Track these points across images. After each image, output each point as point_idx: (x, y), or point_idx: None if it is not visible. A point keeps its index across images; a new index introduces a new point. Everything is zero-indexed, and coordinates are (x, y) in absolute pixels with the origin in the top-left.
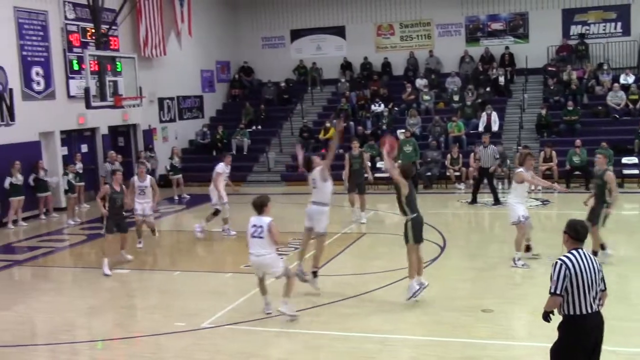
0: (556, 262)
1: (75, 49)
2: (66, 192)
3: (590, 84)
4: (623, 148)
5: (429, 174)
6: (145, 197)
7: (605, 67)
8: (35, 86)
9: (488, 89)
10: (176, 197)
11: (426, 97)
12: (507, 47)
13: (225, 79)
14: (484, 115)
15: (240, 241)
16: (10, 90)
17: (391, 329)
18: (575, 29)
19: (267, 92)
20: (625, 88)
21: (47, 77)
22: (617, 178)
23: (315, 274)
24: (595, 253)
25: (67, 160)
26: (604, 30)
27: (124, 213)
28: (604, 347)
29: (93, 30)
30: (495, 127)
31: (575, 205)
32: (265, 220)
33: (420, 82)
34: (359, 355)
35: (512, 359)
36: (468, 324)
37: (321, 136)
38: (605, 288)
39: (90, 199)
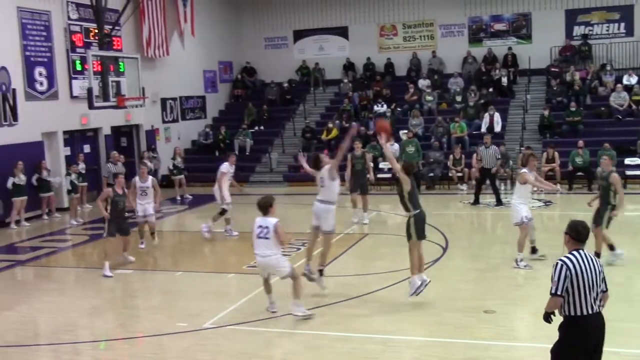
0: (557, 263)
1: (78, 49)
2: (69, 192)
3: (593, 85)
4: (626, 149)
5: (431, 174)
6: (147, 198)
7: (609, 67)
8: (38, 86)
9: (491, 89)
10: (178, 198)
11: (429, 98)
12: (510, 48)
13: (228, 79)
14: (486, 116)
15: (242, 241)
16: (14, 90)
17: (393, 330)
18: (578, 30)
19: (269, 92)
20: (629, 89)
21: (50, 78)
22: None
23: (321, 272)
24: (597, 254)
25: (70, 161)
26: (607, 30)
27: (126, 216)
28: (606, 348)
29: (96, 31)
30: (497, 128)
31: (578, 206)
32: (271, 221)
33: (423, 83)
34: (361, 356)
35: None
36: (470, 325)
37: (324, 137)
38: (607, 289)
39: (92, 199)
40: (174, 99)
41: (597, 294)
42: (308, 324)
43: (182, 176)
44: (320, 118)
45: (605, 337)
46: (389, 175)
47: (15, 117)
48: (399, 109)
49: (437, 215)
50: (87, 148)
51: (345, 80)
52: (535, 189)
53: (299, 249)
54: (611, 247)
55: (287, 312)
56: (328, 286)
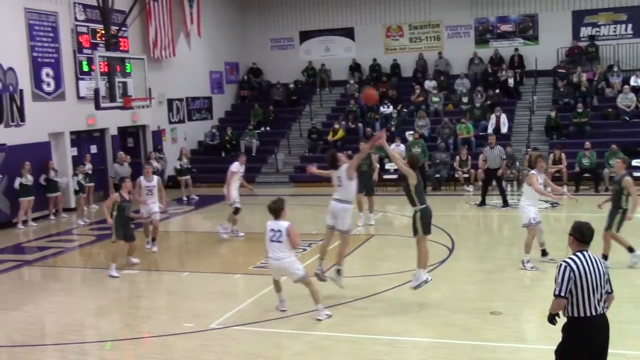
0: (560, 264)
1: (85, 50)
2: (76, 192)
3: (600, 86)
4: (633, 150)
5: (437, 175)
6: (153, 197)
7: (616, 69)
8: (45, 87)
9: (497, 90)
10: (185, 198)
11: (435, 99)
12: (516, 49)
13: (234, 80)
14: (493, 117)
15: (248, 242)
16: (21, 91)
17: (400, 331)
18: (585, 31)
19: (275, 93)
20: (636, 90)
21: (57, 78)
22: None
23: (339, 271)
24: (605, 257)
25: (77, 161)
26: (614, 32)
27: (130, 222)
28: (613, 350)
29: (103, 32)
30: (504, 129)
31: (585, 207)
32: (283, 224)
33: (429, 84)
34: (367, 357)
35: None
36: (477, 326)
37: (330, 138)
38: (612, 291)
39: (99, 199)
40: (181, 100)
41: (601, 296)
42: (314, 325)
43: (189, 177)
44: (326, 119)
45: (613, 339)
46: (395, 176)
47: (22, 117)
48: (405, 110)
49: (444, 217)
50: (93, 148)
51: (352, 81)
52: (548, 189)
53: (304, 249)
54: (630, 249)
55: (294, 313)
56: (334, 287)
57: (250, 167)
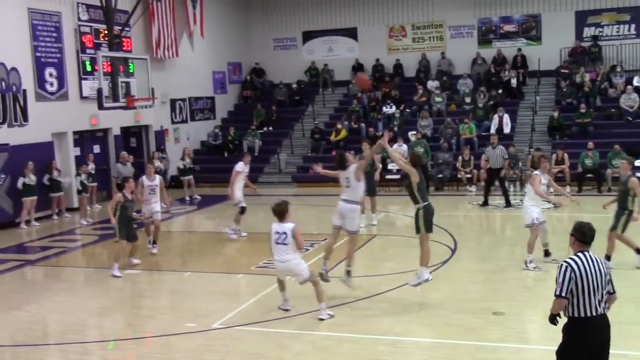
0: (561, 265)
1: (88, 50)
2: (79, 192)
3: (603, 86)
4: (636, 151)
5: (440, 176)
6: (155, 196)
7: (619, 69)
8: (48, 87)
9: (500, 91)
10: (187, 198)
11: (438, 99)
12: (519, 49)
13: (237, 80)
14: (495, 117)
15: (251, 242)
16: (24, 91)
17: (402, 331)
18: (588, 31)
19: (278, 93)
20: (639, 90)
21: (60, 78)
22: None
23: (349, 273)
24: (608, 257)
25: (80, 161)
26: (617, 32)
27: (133, 222)
28: (615, 350)
29: (106, 32)
30: (507, 130)
31: (587, 208)
32: (288, 226)
33: (432, 84)
34: (369, 357)
35: None
36: (479, 326)
37: (332, 138)
38: (614, 291)
39: (102, 199)
40: (183, 100)
41: (601, 296)
42: (317, 325)
43: (191, 177)
44: (329, 119)
45: (615, 339)
46: (397, 176)
47: (25, 117)
48: (407, 110)
49: (446, 217)
50: (96, 148)
51: (354, 82)
52: (551, 190)
53: (307, 249)
54: (638, 251)
55: (297, 313)
56: (336, 287)
57: (252, 167)
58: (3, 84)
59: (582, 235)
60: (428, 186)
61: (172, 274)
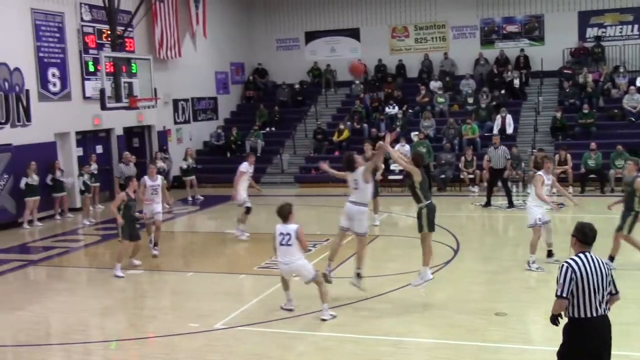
0: (562, 265)
1: (91, 51)
2: (81, 192)
3: (606, 87)
4: (639, 152)
5: (442, 176)
6: (157, 197)
7: (622, 69)
8: (51, 87)
9: (503, 91)
10: (190, 199)
11: (440, 100)
12: (522, 50)
13: (240, 80)
14: (498, 117)
15: (254, 242)
16: (27, 91)
17: (404, 332)
18: (591, 32)
19: (281, 93)
20: None
21: (63, 79)
22: None
23: (359, 275)
24: (611, 258)
25: (82, 161)
26: (620, 32)
27: (136, 222)
28: (617, 351)
29: (109, 32)
30: (509, 130)
31: (590, 208)
32: (291, 227)
33: (435, 85)
34: (371, 358)
35: None
36: (481, 327)
37: (335, 138)
38: (617, 292)
39: (105, 199)
40: (186, 100)
41: (602, 297)
42: (319, 326)
43: (194, 177)
44: (332, 119)
45: (617, 340)
46: (399, 177)
47: (28, 117)
48: (410, 111)
49: (449, 217)
50: (99, 149)
51: (357, 82)
52: (554, 190)
53: (310, 250)
54: None
55: (299, 313)
56: (339, 287)
57: (255, 168)
58: (6, 84)
59: (583, 235)
60: (430, 186)
61: (175, 274)
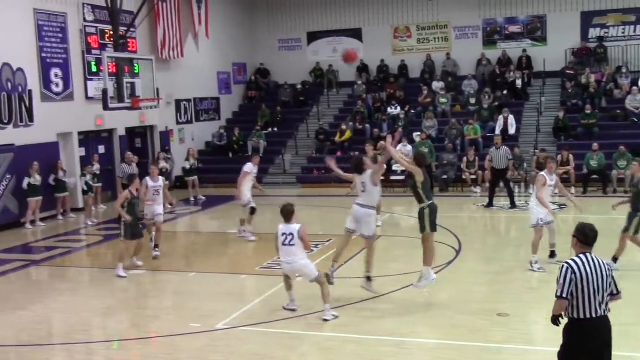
0: (562, 266)
1: (93, 51)
2: (84, 192)
3: (608, 87)
4: None
5: (445, 176)
6: (159, 198)
7: (624, 70)
8: (54, 87)
9: (505, 92)
10: (192, 199)
11: (443, 100)
12: (524, 50)
13: (242, 80)
14: (500, 118)
15: (256, 243)
16: (30, 91)
17: (407, 332)
18: (594, 32)
19: (283, 94)
20: None
21: (66, 79)
22: None
23: (369, 278)
24: (615, 259)
25: (85, 162)
26: (623, 33)
27: (138, 221)
28: (619, 352)
29: (111, 32)
30: (512, 131)
31: (592, 209)
32: (294, 227)
33: (437, 85)
34: (374, 358)
35: None
36: (484, 328)
37: (337, 139)
38: (619, 292)
39: (107, 199)
40: (188, 101)
41: (602, 298)
42: (321, 326)
43: (196, 177)
44: (334, 120)
45: (618, 340)
46: (402, 177)
47: (31, 118)
48: (412, 111)
49: (451, 218)
50: (101, 149)
51: (359, 82)
52: (556, 190)
53: (312, 250)
54: None
55: (301, 314)
56: (341, 288)
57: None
58: (9, 84)
59: (584, 236)
60: (432, 187)
61: (177, 274)
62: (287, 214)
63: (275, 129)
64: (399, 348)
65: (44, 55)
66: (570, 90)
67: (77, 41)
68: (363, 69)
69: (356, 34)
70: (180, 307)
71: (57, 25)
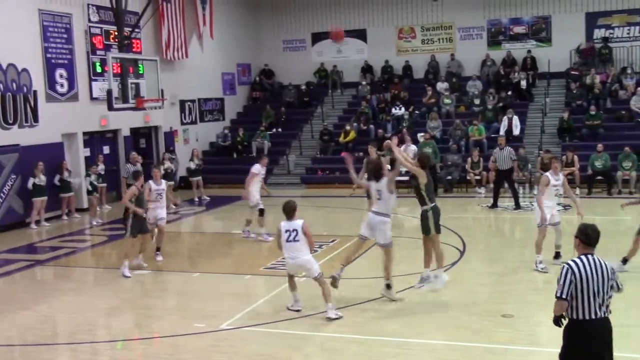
0: (563, 266)
1: (98, 52)
2: (89, 193)
3: (613, 88)
4: None
5: (449, 177)
6: (162, 201)
7: (629, 71)
8: (58, 88)
9: (509, 92)
10: (196, 199)
11: (447, 101)
12: (529, 51)
13: (246, 81)
14: (505, 119)
15: (260, 243)
16: (35, 92)
17: (410, 333)
18: (598, 33)
19: (287, 94)
20: None
21: (71, 79)
22: None
23: (389, 286)
24: (625, 260)
25: (90, 162)
26: (628, 33)
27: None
28: (620, 353)
29: (116, 33)
30: (516, 131)
31: (597, 210)
32: (297, 223)
33: (441, 86)
34: (377, 359)
35: None
36: (488, 328)
37: (341, 139)
38: (620, 289)
39: (112, 200)
40: (193, 101)
41: (603, 300)
42: (324, 326)
43: (200, 178)
44: (338, 120)
45: (619, 342)
46: (405, 178)
47: (36, 118)
48: (417, 112)
49: (455, 219)
50: (106, 149)
51: (363, 83)
52: (561, 191)
53: (315, 251)
54: None
55: (304, 314)
56: (345, 289)
57: None
58: (14, 84)
59: (586, 237)
60: (436, 188)
61: (181, 274)
62: (290, 210)
63: (280, 130)
64: (402, 349)
65: (48, 55)
66: (575, 91)
67: (82, 42)
68: (367, 69)
69: (361, 34)
70: (184, 307)
71: (62, 25)
